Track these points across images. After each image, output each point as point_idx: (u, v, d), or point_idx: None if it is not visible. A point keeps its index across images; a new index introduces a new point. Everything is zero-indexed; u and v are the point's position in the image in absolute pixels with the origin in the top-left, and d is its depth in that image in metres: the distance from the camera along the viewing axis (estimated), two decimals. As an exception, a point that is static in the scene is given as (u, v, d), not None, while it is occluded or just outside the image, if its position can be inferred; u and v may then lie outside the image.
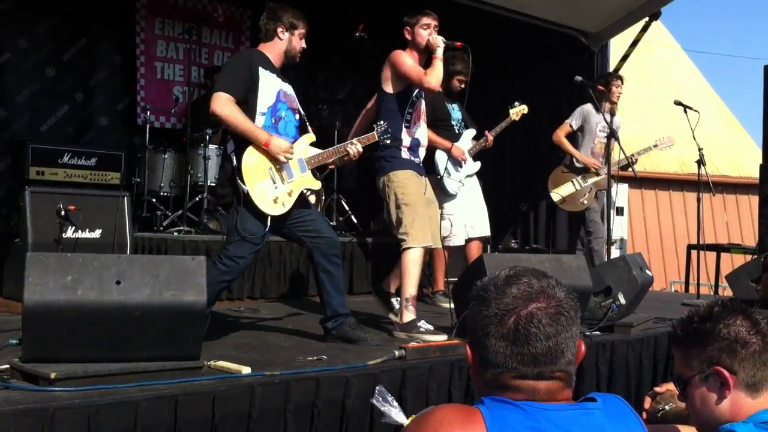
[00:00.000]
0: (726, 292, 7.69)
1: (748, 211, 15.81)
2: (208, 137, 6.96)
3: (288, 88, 4.29)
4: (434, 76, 4.73)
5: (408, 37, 4.91)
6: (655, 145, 7.04)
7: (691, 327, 1.95)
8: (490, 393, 1.61)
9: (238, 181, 4.02)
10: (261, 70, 4.13)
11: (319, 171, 4.48)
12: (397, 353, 3.63)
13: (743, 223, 16.03)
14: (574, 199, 7.05)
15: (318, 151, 4.41)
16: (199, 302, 3.19)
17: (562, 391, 1.60)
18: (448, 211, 6.14)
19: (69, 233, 5.14)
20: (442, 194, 6.08)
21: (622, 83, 7.12)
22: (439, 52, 4.77)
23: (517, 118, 6.56)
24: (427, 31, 4.84)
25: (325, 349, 3.97)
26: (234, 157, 4.08)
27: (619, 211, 11.00)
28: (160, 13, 8.34)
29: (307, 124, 4.45)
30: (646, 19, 8.05)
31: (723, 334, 1.88)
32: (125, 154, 6.97)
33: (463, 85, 6.19)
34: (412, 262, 4.70)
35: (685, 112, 6.49)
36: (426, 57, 4.89)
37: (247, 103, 4.08)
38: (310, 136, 4.40)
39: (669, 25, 20.39)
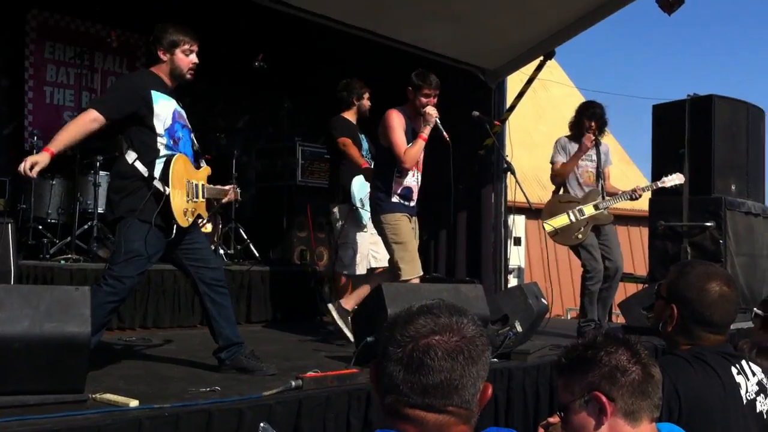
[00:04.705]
0: (619, 319, 7.91)
1: (639, 242, 16.42)
2: (98, 164, 6.74)
3: (180, 108, 4.19)
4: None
5: (409, 97, 5.47)
6: (662, 182, 6.60)
7: (574, 354, 1.98)
8: (387, 419, 1.60)
9: (159, 183, 3.89)
10: (153, 93, 4.02)
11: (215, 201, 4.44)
12: (293, 383, 3.56)
13: (635, 254, 16.62)
14: (568, 232, 6.30)
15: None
16: (82, 334, 3.05)
17: (454, 426, 1.57)
18: (353, 239, 6.14)
19: (-52, 261, 4.87)
20: (354, 224, 6.10)
21: (594, 117, 6.47)
22: (427, 131, 5.35)
23: None
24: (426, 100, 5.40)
25: (218, 380, 3.86)
26: (141, 165, 3.93)
27: (517, 241, 11.19)
28: (50, 37, 8.07)
29: (196, 146, 4.37)
30: (541, 58, 8.29)
31: (604, 361, 1.91)
32: (10, 179, 6.69)
33: (369, 102, 6.36)
34: None
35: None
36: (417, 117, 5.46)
37: (144, 126, 3.97)
38: (208, 169, 4.37)
39: (563, 64, 21.16)
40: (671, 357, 2.51)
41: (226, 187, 4.56)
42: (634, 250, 16.77)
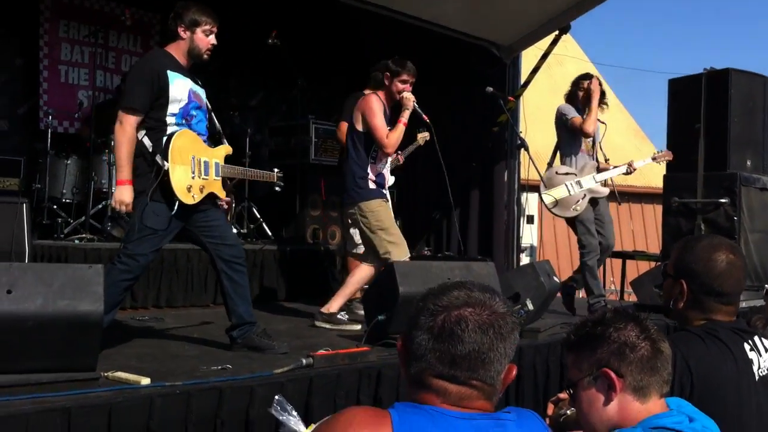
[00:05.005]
0: (631, 297, 7.88)
1: (652, 219, 16.34)
2: (112, 143, 6.75)
3: (197, 87, 4.20)
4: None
5: (386, 82, 5.34)
6: (654, 158, 6.73)
7: (583, 331, 1.98)
8: (412, 389, 1.63)
9: (159, 158, 3.90)
10: (170, 73, 4.03)
11: (228, 180, 4.43)
12: (304, 361, 3.58)
13: (648, 231, 16.54)
14: (566, 204, 6.28)
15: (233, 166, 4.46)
16: (95, 312, 3.08)
17: (476, 400, 1.59)
18: None
19: (-37, 240, 4.91)
20: None
21: (591, 82, 6.43)
22: (406, 116, 5.26)
23: (422, 143, 6.66)
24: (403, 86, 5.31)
25: (230, 358, 3.88)
26: (148, 141, 3.96)
27: (530, 219, 11.16)
28: (64, 15, 8.08)
29: (218, 126, 4.39)
30: (556, 32, 8.21)
31: (613, 338, 1.91)
32: (25, 159, 6.73)
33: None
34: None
35: (593, 123, 6.63)
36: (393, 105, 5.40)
37: (159, 106, 3.99)
38: (228, 148, 4.37)
39: (578, 39, 21.00)
40: (683, 333, 2.50)
41: (252, 171, 4.75)
42: (647, 227, 16.69)
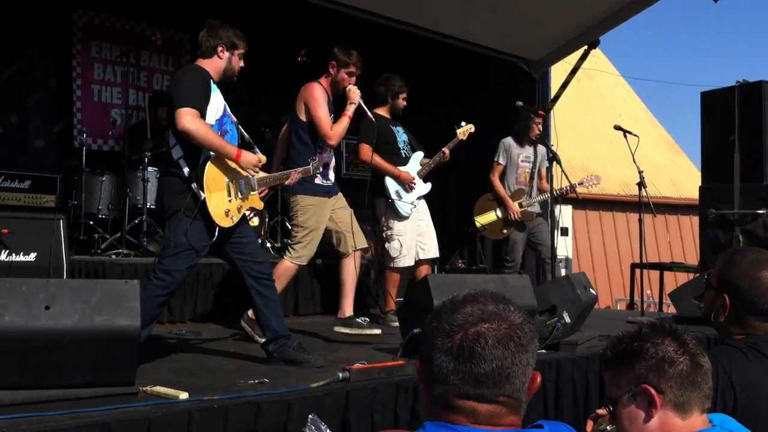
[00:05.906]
0: (670, 309, 7.79)
1: (689, 231, 16.16)
2: (146, 159, 6.84)
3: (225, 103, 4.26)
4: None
5: (331, 71, 5.36)
6: (581, 183, 7.01)
7: (620, 347, 1.93)
8: (436, 411, 1.57)
9: (195, 187, 3.94)
10: (212, 84, 4.12)
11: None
12: (340, 375, 3.55)
13: (685, 243, 16.35)
14: (495, 228, 7.07)
15: (266, 174, 4.56)
16: (132, 327, 3.08)
17: (506, 416, 1.55)
18: (398, 231, 6.09)
19: (2, 257, 4.96)
20: (395, 216, 6.08)
21: (541, 119, 7.15)
22: (351, 109, 5.25)
23: (464, 137, 6.54)
24: (350, 79, 5.33)
25: (267, 372, 3.87)
26: (185, 164, 4.00)
27: (564, 232, 11.11)
28: (96, 36, 8.21)
29: (246, 137, 4.47)
30: (585, 47, 8.19)
31: (651, 353, 1.86)
32: (61, 176, 6.84)
33: (405, 102, 6.22)
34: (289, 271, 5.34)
35: (625, 136, 6.62)
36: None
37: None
38: (262, 158, 4.38)
39: (608, 53, 20.90)
40: (725, 347, 2.46)
41: (285, 173, 4.83)
42: (684, 238, 16.51)
